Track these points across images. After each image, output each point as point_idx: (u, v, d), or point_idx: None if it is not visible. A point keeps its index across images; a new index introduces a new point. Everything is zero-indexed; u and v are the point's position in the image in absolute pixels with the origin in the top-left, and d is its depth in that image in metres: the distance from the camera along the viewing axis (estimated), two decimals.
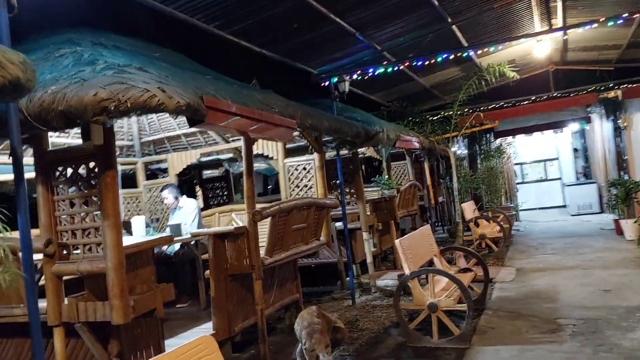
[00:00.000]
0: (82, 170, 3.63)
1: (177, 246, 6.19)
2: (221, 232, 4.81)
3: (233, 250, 4.77)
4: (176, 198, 6.59)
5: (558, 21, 9.86)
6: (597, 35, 10.24)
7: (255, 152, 6.35)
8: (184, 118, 3.61)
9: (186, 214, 6.42)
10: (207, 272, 4.81)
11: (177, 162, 7.67)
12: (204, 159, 8.42)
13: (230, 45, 7.26)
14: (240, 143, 4.93)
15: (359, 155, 8.76)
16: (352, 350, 4.93)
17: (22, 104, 3.07)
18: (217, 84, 4.81)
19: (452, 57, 8.94)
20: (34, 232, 3.77)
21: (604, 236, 10.48)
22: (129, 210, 7.59)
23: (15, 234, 2.88)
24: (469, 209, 10.81)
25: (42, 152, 3.69)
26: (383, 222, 8.81)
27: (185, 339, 3.52)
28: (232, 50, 7.44)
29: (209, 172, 10.40)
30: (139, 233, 5.30)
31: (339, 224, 7.27)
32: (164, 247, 6.10)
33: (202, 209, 7.36)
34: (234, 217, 7.03)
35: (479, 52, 10.02)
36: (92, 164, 3.55)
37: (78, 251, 3.64)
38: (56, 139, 6.32)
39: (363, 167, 12.03)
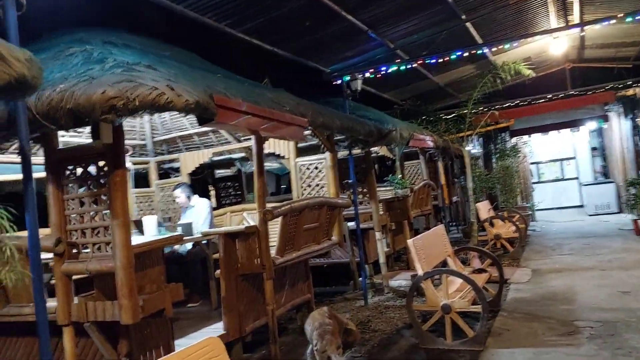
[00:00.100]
0: (92, 169, 3.62)
1: (189, 245, 6.18)
2: (232, 232, 4.78)
3: (244, 249, 4.73)
4: (188, 197, 6.59)
5: (575, 17, 9.69)
6: (614, 32, 10.04)
7: (267, 151, 6.32)
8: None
9: (198, 213, 6.40)
10: (218, 271, 4.78)
11: (189, 161, 7.67)
12: (216, 159, 8.42)
13: (242, 43, 7.23)
14: (252, 142, 4.90)
15: (372, 155, 8.70)
16: (364, 351, 4.87)
17: (30, 103, 3.06)
18: (228, 82, 4.78)
19: (466, 54, 8.80)
20: (46, 231, 3.79)
21: (623, 236, 10.28)
22: (141, 210, 7.60)
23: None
24: (483, 208, 10.68)
25: (52, 151, 3.69)
26: (396, 221, 8.74)
27: (196, 339, 3.49)
28: (244, 48, 7.41)
29: (221, 171, 10.41)
30: (150, 232, 5.28)
31: (351, 224, 7.21)
32: (176, 247, 6.09)
33: (215, 209, 7.34)
34: (246, 217, 6.98)
35: (494, 49, 9.89)
36: (101, 163, 3.53)
37: (88, 250, 3.63)
38: (69, 138, 6.35)
39: (376, 166, 11.95)
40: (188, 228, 5.51)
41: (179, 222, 6.08)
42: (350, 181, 7.25)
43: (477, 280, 5.07)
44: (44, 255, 3.71)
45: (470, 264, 6.72)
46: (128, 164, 6.80)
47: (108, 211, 3.43)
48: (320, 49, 8.38)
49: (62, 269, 3.55)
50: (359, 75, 8.00)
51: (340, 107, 7.27)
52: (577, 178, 17.50)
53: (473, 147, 14.13)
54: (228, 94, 4.02)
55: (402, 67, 8.57)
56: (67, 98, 3.04)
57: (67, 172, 3.67)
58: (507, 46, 9.48)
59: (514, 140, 14.98)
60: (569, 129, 15.06)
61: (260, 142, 4.79)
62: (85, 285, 4.03)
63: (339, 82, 8.03)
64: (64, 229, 3.64)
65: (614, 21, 7.52)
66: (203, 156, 7.64)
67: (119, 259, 3.31)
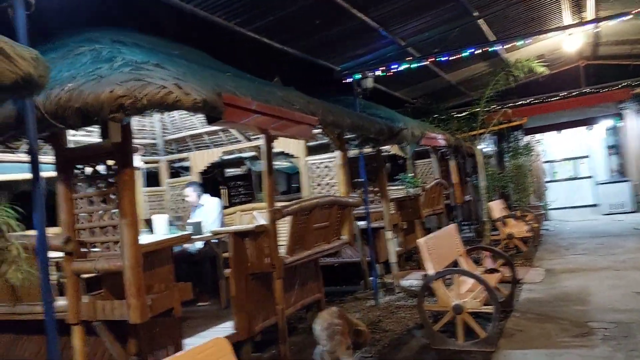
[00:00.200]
0: (102, 168, 3.62)
1: (199, 244, 6.18)
2: (241, 231, 4.76)
3: (253, 248, 4.72)
4: (198, 196, 6.59)
5: (589, 14, 9.55)
6: (630, 28, 9.87)
7: (277, 150, 6.29)
8: None
9: (208, 212, 6.40)
10: (228, 270, 4.77)
11: (199, 160, 7.67)
12: (226, 157, 8.41)
13: (252, 42, 7.22)
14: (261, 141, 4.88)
15: (383, 153, 8.64)
16: (375, 351, 4.83)
17: (39, 102, 3.06)
18: (238, 81, 4.75)
19: (478, 52, 8.72)
20: (56, 230, 3.80)
21: (637, 236, 10.13)
22: (152, 208, 7.62)
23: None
24: (496, 207, 10.56)
25: (62, 150, 3.70)
26: (408, 221, 8.67)
27: (205, 339, 3.48)
28: (254, 47, 7.40)
29: (231, 170, 10.40)
30: (160, 231, 5.29)
31: (362, 223, 7.16)
32: (187, 245, 6.09)
33: (225, 207, 7.34)
34: (256, 216, 6.98)
35: (507, 46, 9.77)
36: (110, 162, 3.53)
37: (97, 249, 3.63)
38: (81, 137, 6.37)
39: (387, 165, 11.88)
40: (198, 227, 5.50)
41: (188, 221, 6.08)
42: (360, 180, 7.21)
43: (489, 280, 5.01)
44: (55, 254, 3.74)
45: (482, 264, 6.64)
46: (139, 163, 6.82)
47: (117, 210, 3.43)
48: (330, 47, 8.34)
49: (71, 267, 3.55)
50: (370, 74, 7.94)
51: (350, 105, 7.23)
52: (591, 177, 17.27)
53: (486, 146, 14.00)
54: (237, 93, 4.00)
55: (413, 65, 8.50)
56: (75, 97, 3.04)
57: (77, 171, 3.67)
58: (520, 43, 9.37)
59: (527, 138, 14.82)
60: (583, 127, 14.84)
61: (270, 140, 4.76)
62: (96, 283, 4.04)
63: (349, 80, 7.98)
64: (74, 227, 3.65)
65: (629, 17, 7.40)
66: (213, 155, 7.65)
67: (127, 258, 3.30)
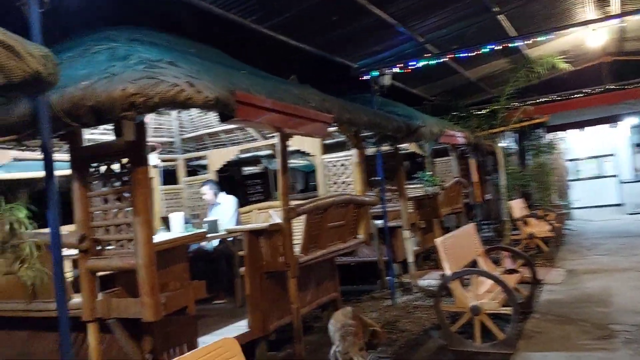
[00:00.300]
0: (116, 167, 3.63)
1: (216, 242, 6.19)
2: (256, 229, 4.75)
3: (268, 247, 4.70)
4: (215, 194, 6.60)
5: (614, 8, 9.31)
6: None
7: (292, 148, 6.26)
8: None
9: (224, 210, 6.41)
10: (243, 269, 4.76)
11: (216, 158, 7.68)
12: (242, 156, 8.40)
13: (268, 40, 7.19)
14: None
15: (402, 151, 8.55)
16: (391, 352, 4.78)
17: (53, 100, 3.07)
18: (253, 79, 4.72)
19: (499, 48, 8.56)
20: (71, 227, 3.82)
21: None
22: (169, 207, 7.66)
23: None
24: (517, 207, 10.39)
25: (77, 149, 3.71)
26: (426, 220, 8.58)
27: (220, 337, 3.47)
28: (270, 45, 7.37)
29: (248, 168, 10.41)
30: (177, 229, 5.31)
31: (379, 222, 7.10)
32: (203, 243, 6.11)
33: (241, 206, 7.33)
34: (272, 214, 6.97)
35: (528, 42, 9.57)
36: (124, 160, 3.54)
37: (111, 247, 3.64)
38: (99, 136, 6.42)
39: (406, 163, 11.77)
40: (214, 225, 5.51)
41: (205, 219, 6.10)
42: (378, 178, 7.14)
43: (508, 281, 4.91)
44: (71, 252, 3.76)
45: (502, 264, 6.52)
46: (157, 161, 6.85)
47: (131, 208, 3.43)
48: (347, 44, 8.26)
49: (86, 265, 3.57)
50: (387, 71, 7.85)
51: (368, 102, 7.16)
52: (616, 175, 16.88)
53: (507, 144, 13.77)
54: (252, 91, 3.97)
55: (432, 62, 8.38)
56: (89, 95, 3.05)
57: (91, 170, 3.69)
58: (541, 39, 9.18)
59: (549, 136, 14.53)
60: (607, 125, 14.50)
61: (284, 139, 4.74)
62: (111, 281, 4.06)
63: (366, 77, 7.91)
64: (89, 225, 3.66)
65: None
66: (230, 153, 7.64)
67: (141, 256, 3.31)
